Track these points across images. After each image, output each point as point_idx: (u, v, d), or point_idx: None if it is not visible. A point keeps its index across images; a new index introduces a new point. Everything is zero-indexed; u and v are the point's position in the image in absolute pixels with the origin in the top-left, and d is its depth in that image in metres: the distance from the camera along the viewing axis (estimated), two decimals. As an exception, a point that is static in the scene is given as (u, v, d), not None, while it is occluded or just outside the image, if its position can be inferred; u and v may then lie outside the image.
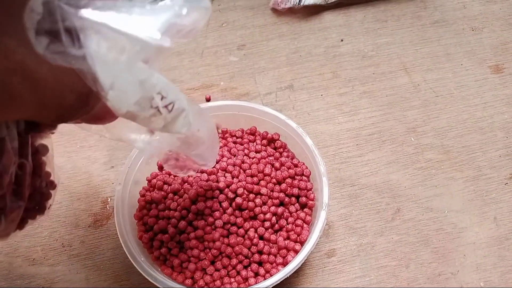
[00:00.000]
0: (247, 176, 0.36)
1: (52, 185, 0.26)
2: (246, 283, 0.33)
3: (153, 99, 0.20)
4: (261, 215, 0.35)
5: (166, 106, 0.21)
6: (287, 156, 0.39)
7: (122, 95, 0.19)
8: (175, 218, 0.34)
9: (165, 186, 0.36)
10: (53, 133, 0.25)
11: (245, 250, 0.34)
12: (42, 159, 0.25)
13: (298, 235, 0.35)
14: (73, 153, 0.44)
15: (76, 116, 0.20)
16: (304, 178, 0.37)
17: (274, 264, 0.34)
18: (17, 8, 0.16)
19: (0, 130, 0.20)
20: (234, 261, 0.33)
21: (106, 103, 0.19)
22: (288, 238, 0.35)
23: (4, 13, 0.15)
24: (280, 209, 0.35)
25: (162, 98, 0.21)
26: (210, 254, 0.33)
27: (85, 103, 0.19)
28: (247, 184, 0.35)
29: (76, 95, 0.18)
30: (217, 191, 0.35)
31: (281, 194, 0.36)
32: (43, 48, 0.16)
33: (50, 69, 0.17)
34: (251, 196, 0.35)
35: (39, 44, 0.16)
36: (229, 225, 0.34)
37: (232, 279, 0.33)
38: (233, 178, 0.36)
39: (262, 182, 0.36)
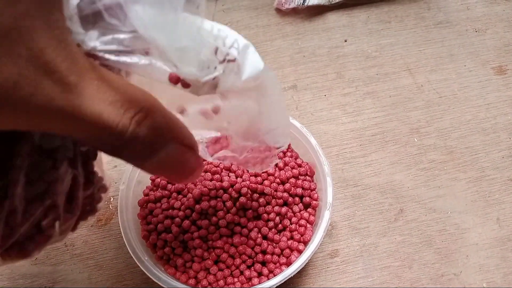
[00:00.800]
0: (251, 175, 0.36)
1: (104, 189, 0.25)
2: (250, 283, 0.33)
3: (218, 49, 0.18)
4: (265, 215, 0.35)
5: (232, 46, 0.19)
6: (291, 156, 0.39)
7: (188, 54, 0.17)
8: (179, 218, 0.34)
9: (169, 186, 0.36)
10: None
11: (249, 250, 0.34)
12: (93, 165, 0.23)
13: (302, 235, 0.35)
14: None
15: (134, 154, 0.16)
16: (308, 178, 0.37)
17: (278, 264, 0.34)
18: (50, 2, 0.14)
19: (53, 140, 0.19)
20: (238, 261, 0.33)
21: (181, 152, 0.17)
22: (291, 238, 0.35)
23: (35, 6, 0.14)
24: (283, 209, 0.35)
25: (224, 42, 0.19)
26: (213, 253, 0.33)
27: (137, 135, 0.16)
28: (251, 184, 0.35)
29: (128, 119, 0.15)
30: (221, 191, 0.35)
31: (285, 194, 0.36)
32: (94, 40, 0.15)
33: (81, 75, 0.15)
34: (255, 195, 0.35)
35: (89, 39, 0.15)
36: (233, 224, 0.34)
37: (236, 279, 0.33)
38: (237, 177, 0.36)
39: (266, 182, 0.36)
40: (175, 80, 0.18)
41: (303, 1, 0.51)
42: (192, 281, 0.33)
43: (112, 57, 0.16)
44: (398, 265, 0.38)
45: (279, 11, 0.53)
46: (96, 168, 0.23)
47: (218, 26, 0.19)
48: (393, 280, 0.37)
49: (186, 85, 0.18)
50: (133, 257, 0.32)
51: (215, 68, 0.18)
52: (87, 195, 0.23)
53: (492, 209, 0.41)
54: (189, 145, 0.18)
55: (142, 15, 0.16)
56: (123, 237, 0.33)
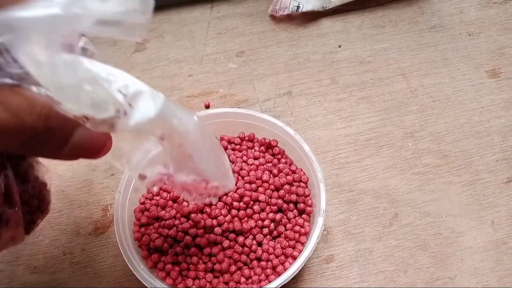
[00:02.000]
0: (245, 183, 0.36)
1: (43, 185, 0.26)
2: (245, 290, 0.33)
3: (108, 91, 0.19)
4: (260, 222, 0.35)
5: (119, 91, 0.19)
6: (285, 163, 0.39)
7: (68, 92, 0.18)
8: (175, 226, 0.35)
9: (164, 194, 0.37)
10: None
11: (244, 257, 0.34)
12: (26, 164, 0.25)
13: (296, 242, 0.35)
14: (73, 161, 0.44)
15: (50, 146, 0.19)
16: (302, 184, 0.38)
17: (273, 271, 0.34)
18: None
19: None
20: (233, 268, 0.34)
21: (89, 132, 0.19)
22: (286, 244, 0.35)
23: None
24: (278, 216, 0.35)
25: (117, 86, 0.19)
26: (209, 261, 0.34)
27: (50, 127, 0.18)
28: (245, 191, 0.35)
29: (36, 115, 0.17)
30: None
31: (279, 201, 0.36)
32: None
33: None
34: (250, 203, 0.35)
35: None
36: (228, 232, 0.35)
37: (231, 286, 0.34)
38: (231, 185, 0.36)
39: (260, 189, 0.36)
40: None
41: (297, 8, 0.52)
42: (188, 289, 0.34)
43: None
44: (393, 269, 0.38)
45: (273, 17, 0.54)
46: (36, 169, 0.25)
47: (109, 70, 0.19)
48: (388, 285, 0.38)
49: (86, 118, 0.19)
50: (129, 265, 0.33)
51: (107, 109, 0.19)
52: (29, 195, 0.24)
53: (487, 212, 0.41)
54: None
55: (27, 53, 0.17)
56: (119, 246, 0.33)
